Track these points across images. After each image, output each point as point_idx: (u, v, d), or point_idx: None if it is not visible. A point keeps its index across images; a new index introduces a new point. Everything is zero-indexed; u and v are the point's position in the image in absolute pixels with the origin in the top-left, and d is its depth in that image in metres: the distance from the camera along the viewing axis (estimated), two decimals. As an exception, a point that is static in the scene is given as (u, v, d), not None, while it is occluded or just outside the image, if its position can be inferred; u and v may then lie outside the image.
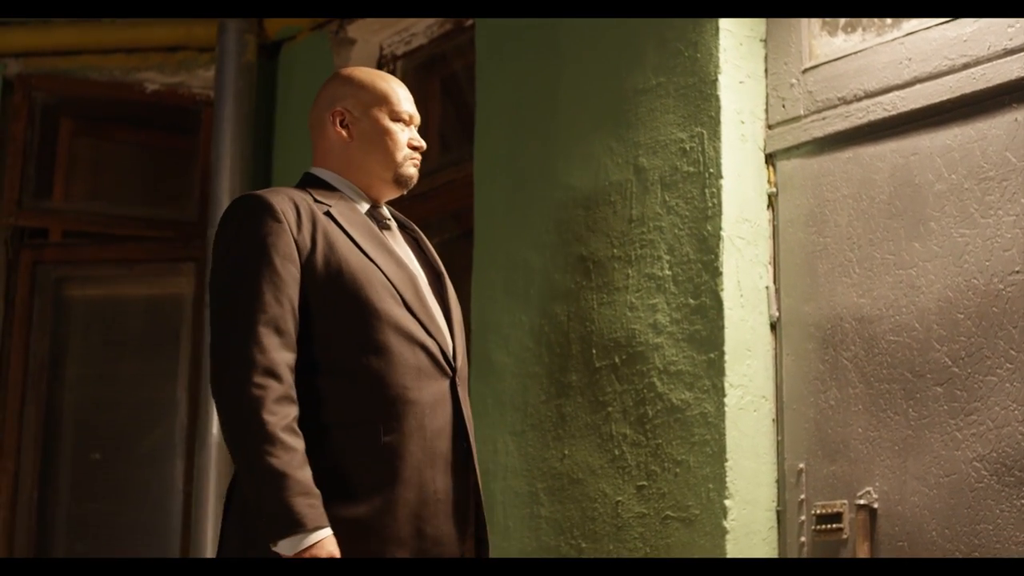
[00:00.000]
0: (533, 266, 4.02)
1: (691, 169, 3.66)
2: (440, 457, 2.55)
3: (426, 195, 4.57)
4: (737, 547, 3.44)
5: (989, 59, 3.28)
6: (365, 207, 2.71)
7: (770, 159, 3.71)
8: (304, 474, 2.40)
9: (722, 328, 3.52)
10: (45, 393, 5.27)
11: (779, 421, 3.58)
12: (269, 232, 2.53)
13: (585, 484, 3.75)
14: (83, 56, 5.39)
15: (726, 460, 3.46)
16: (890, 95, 3.46)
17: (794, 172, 3.67)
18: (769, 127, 3.71)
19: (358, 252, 2.58)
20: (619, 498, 3.67)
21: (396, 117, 2.72)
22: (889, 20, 3.54)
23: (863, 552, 3.34)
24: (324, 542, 2.38)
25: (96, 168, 5.62)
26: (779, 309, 3.64)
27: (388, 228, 2.72)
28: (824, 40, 3.68)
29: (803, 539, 3.49)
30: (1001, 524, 3.13)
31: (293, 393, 2.46)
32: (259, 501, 2.41)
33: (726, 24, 3.68)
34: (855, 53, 3.57)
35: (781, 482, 3.56)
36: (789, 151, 3.68)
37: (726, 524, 3.44)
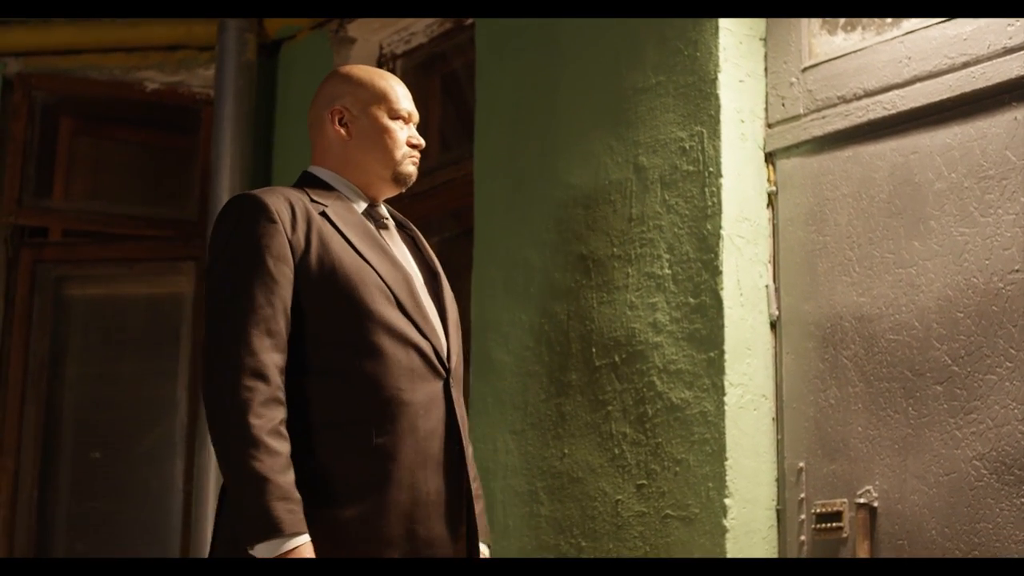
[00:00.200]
0: (533, 265, 4.02)
1: (691, 168, 3.66)
2: (432, 458, 2.55)
3: (426, 194, 4.58)
4: (737, 546, 3.44)
5: (989, 58, 3.28)
6: (363, 206, 2.70)
7: (770, 158, 3.71)
8: (286, 479, 2.39)
9: (722, 327, 3.52)
10: (45, 392, 5.27)
11: (779, 420, 3.58)
12: (263, 233, 2.52)
13: (585, 483, 3.75)
14: (83, 55, 5.39)
15: (726, 459, 3.46)
16: (890, 94, 3.46)
17: (794, 171, 3.67)
18: (769, 126, 3.71)
19: (352, 253, 2.57)
20: (619, 497, 3.67)
21: (395, 115, 2.72)
22: (889, 19, 3.54)
23: (863, 551, 3.34)
24: (301, 548, 2.37)
25: (96, 167, 5.62)
26: (779, 308, 3.64)
27: (385, 228, 2.72)
28: (824, 39, 3.68)
29: (803, 538, 3.49)
30: (1001, 523, 3.13)
31: (282, 395, 2.46)
32: (240, 503, 2.41)
33: (726, 23, 3.68)
34: (855, 52, 3.57)
35: (781, 481, 3.56)
36: (789, 150, 3.68)
37: (726, 523, 3.44)
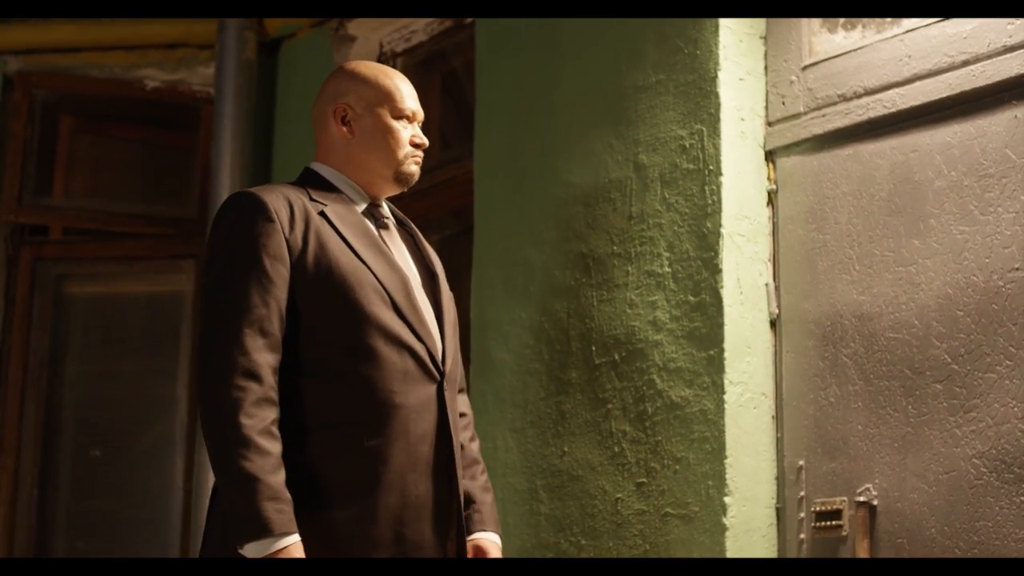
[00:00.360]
0: (533, 263, 4.02)
1: (691, 166, 3.66)
2: (423, 462, 2.54)
3: (426, 192, 4.58)
4: (737, 544, 3.44)
5: (989, 56, 3.28)
6: (363, 206, 2.69)
7: (770, 156, 3.71)
8: (276, 479, 2.39)
9: (722, 325, 3.52)
10: (45, 390, 5.27)
11: (779, 418, 3.58)
12: (261, 232, 2.52)
13: (585, 481, 3.75)
14: (83, 53, 5.39)
15: (726, 457, 3.46)
16: (890, 92, 3.46)
17: (794, 169, 3.67)
18: (769, 124, 3.71)
19: (350, 254, 2.56)
20: (619, 495, 3.67)
21: (399, 114, 2.70)
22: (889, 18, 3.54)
23: (863, 549, 3.34)
24: (290, 548, 2.37)
25: (96, 165, 5.62)
26: (779, 306, 3.64)
27: (386, 227, 2.71)
28: (824, 37, 3.68)
29: (802, 536, 3.49)
30: (1000, 521, 3.13)
31: (274, 395, 2.45)
32: (230, 503, 2.41)
33: (726, 21, 3.68)
34: (855, 50, 3.57)
35: (781, 479, 3.56)
36: (789, 148, 3.67)
37: (725, 521, 3.44)
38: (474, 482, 2.73)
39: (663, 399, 3.60)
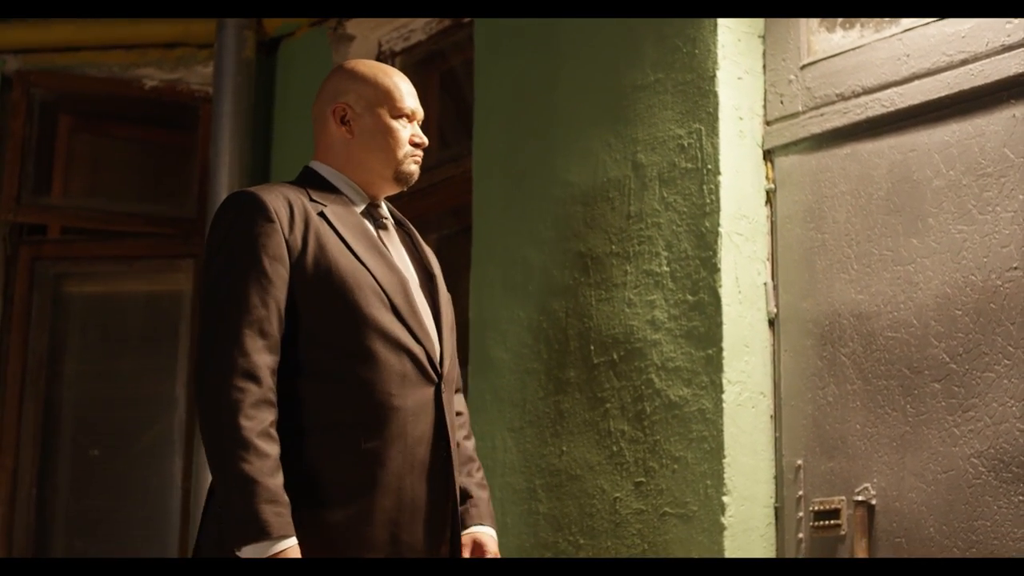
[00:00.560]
0: (531, 262, 4.01)
1: (689, 165, 3.65)
2: (420, 464, 2.54)
3: (425, 191, 4.57)
4: (735, 543, 3.44)
5: (987, 55, 3.27)
6: (362, 206, 2.69)
7: (768, 155, 3.71)
8: (274, 481, 2.38)
9: (720, 324, 3.52)
10: (44, 389, 5.27)
11: (777, 417, 3.58)
12: (260, 232, 2.51)
13: (583, 480, 3.75)
14: (82, 52, 5.39)
15: (724, 456, 3.46)
16: (888, 91, 3.46)
17: (792, 168, 3.66)
18: (767, 123, 3.71)
19: (349, 255, 2.56)
20: (617, 494, 3.66)
21: (398, 114, 2.69)
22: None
23: (861, 549, 3.34)
24: (288, 551, 2.37)
25: (95, 164, 5.62)
26: (777, 305, 3.63)
27: (384, 228, 2.70)
28: (822, 36, 3.68)
29: (801, 535, 3.49)
30: (999, 520, 3.13)
31: (273, 396, 2.45)
32: (228, 505, 2.40)
33: (724, 20, 3.68)
34: (853, 49, 3.57)
35: (779, 478, 3.56)
36: (787, 147, 3.67)
37: (724, 520, 3.44)
38: (470, 479, 2.74)
39: (661, 398, 3.60)
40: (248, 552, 2.36)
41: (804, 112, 3.64)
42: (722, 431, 3.47)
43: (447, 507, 2.59)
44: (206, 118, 5.32)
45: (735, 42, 3.70)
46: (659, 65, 3.78)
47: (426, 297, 2.66)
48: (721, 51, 3.66)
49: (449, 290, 2.77)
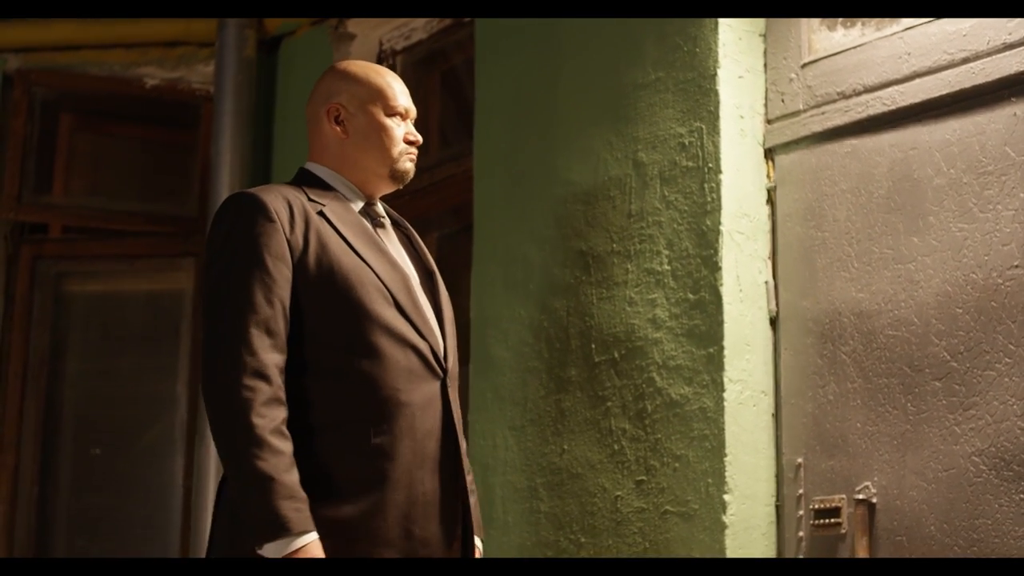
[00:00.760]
0: (532, 261, 4.02)
1: (690, 164, 3.66)
2: (430, 458, 2.55)
3: (426, 190, 4.58)
4: (736, 542, 3.44)
5: (988, 54, 3.27)
6: (359, 205, 2.69)
7: (769, 154, 3.71)
8: (291, 478, 2.39)
9: (721, 323, 3.52)
10: (45, 388, 5.27)
11: (778, 416, 3.58)
12: (262, 232, 2.51)
13: (584, 479, 3.75)
14: (83, 51, 5.39)
15: (725, 455, 3.46)
16: (889, 90, 3.46)
17: (793, 167, 3.66)
18: (768, 122, 3.71)
19: (351, 253, 2.56)
20: (618, 493, 3.67)
21: (391, 112, 2.70)
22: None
23: (862, 547, 3.34)
24: (309, 547, 2.37)
25: (96, 163, 5.63)
26: (778, 304, 3.64)
27: (382, 226, 2.71)
28: (823, 35, 3.68)
29: (801, 534, 3.49)
30: (1000, 519, 3.13)
31: (283, 395, 2.45)
32: (246, 504, 2.40)
33: (725, 19, 3.68)
34: (854, 48, 3.57)
35: (780, 477, 3.56)
36: (788, 146, 3.67)
37: (725, 519, 3.44)
38: None
39: (663, 397, 3.60)
40: (269, 549, 2.36)
41: (805, 110, 3.64)
42: (723, 429, 3.47)
43: (457, 501, 2.60)
44: (207, 117, 5.32)
45: (736, 40, 3.70)
46: (660, 64, 3.78)
47: (426, 294, 2.67)
48: (722, 49, 3.66)
49: (450, 289, 2.78)
